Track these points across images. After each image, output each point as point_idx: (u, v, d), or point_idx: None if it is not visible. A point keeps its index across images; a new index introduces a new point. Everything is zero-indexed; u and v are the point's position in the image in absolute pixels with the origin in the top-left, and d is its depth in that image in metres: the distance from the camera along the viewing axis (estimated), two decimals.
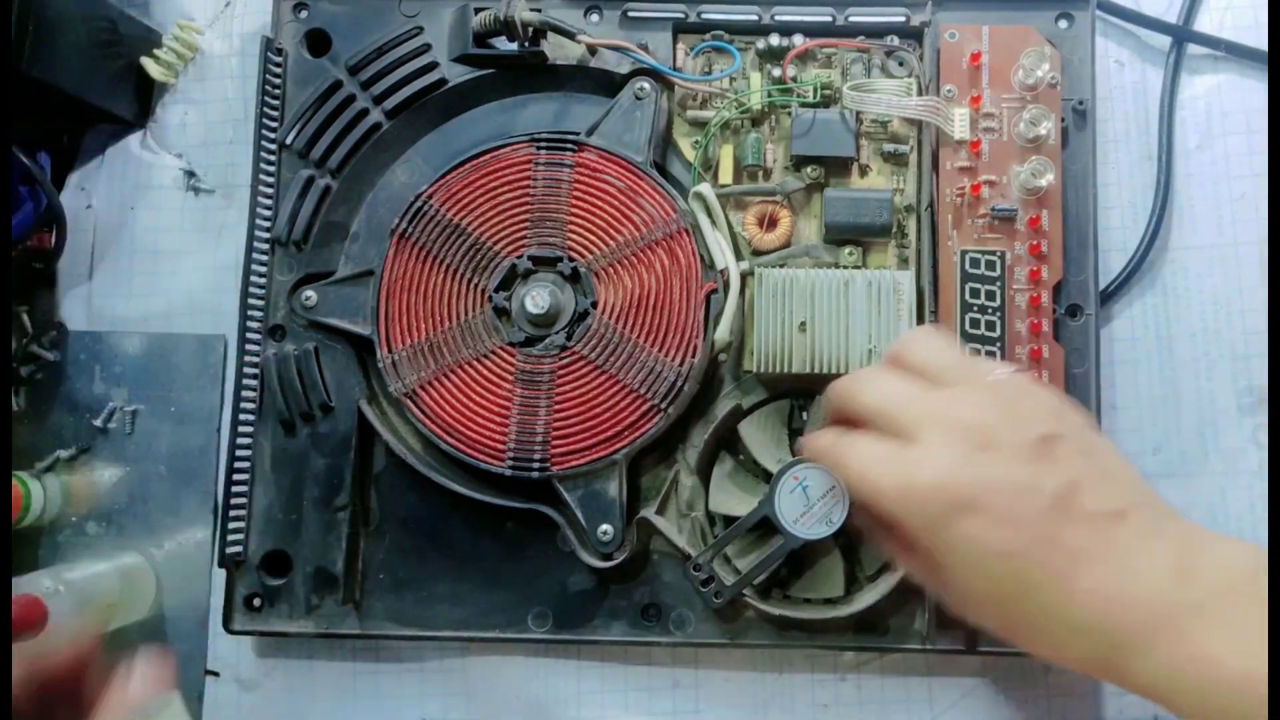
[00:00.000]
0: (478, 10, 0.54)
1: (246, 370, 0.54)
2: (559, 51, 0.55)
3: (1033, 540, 0.36)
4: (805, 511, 0.47)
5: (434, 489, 0.53)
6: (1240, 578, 0.35)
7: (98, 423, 0.58)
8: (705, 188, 0.53)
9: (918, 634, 0.51)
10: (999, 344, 0.51)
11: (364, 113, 0.55)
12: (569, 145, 0.53)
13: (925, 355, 0.41)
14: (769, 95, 0.55)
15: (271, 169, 0.56)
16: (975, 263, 0.52)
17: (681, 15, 0.55)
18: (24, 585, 0.51)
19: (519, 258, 0.53)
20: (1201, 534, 0.37)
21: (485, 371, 0.52)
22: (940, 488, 0.37)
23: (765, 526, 0.49)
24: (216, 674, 0.57)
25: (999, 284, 0.52)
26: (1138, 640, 0.35)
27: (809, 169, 0.54)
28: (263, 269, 0.55)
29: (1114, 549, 0.36)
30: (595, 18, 0.56)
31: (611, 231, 0.52)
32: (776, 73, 0.55)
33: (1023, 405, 0.39)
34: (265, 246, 0.55)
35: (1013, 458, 0.37)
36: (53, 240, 0.59)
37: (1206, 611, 0.34)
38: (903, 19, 0.54)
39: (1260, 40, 0.57)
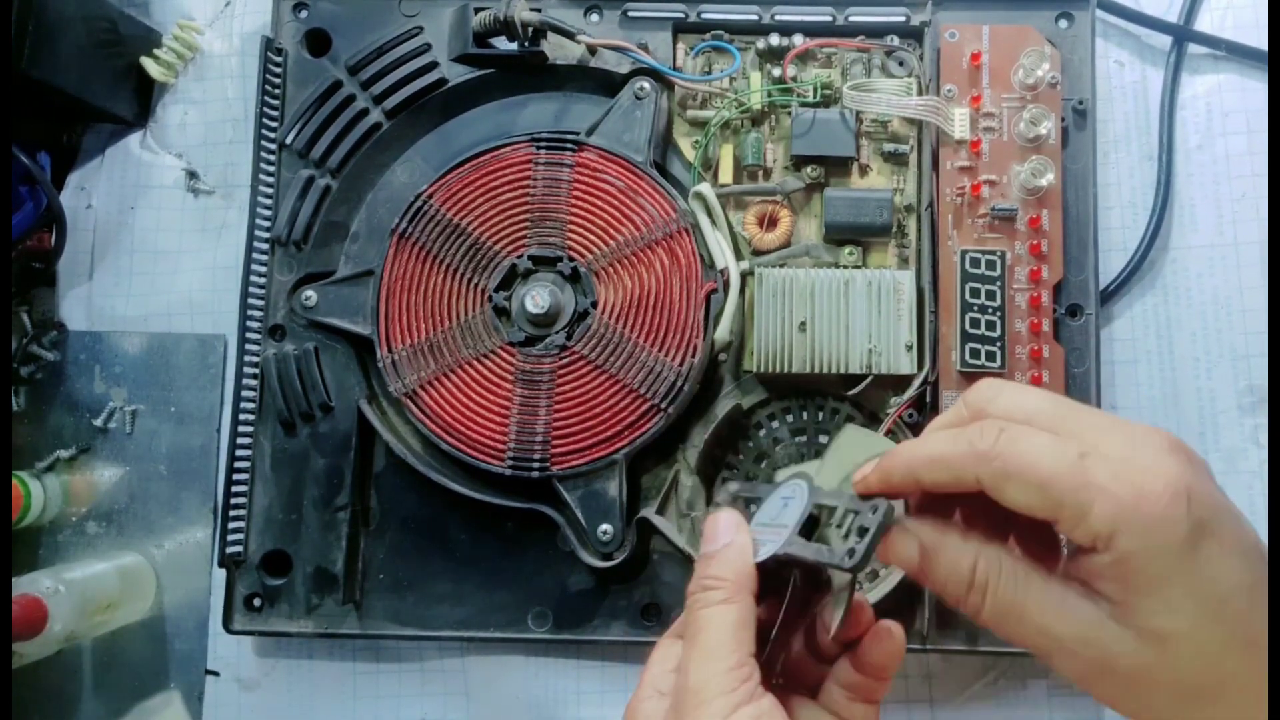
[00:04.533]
0: (478, 10, 0.54)
1: (246, 370, 0.54)
2: (559, 51, 0.55)
3: (1257, 578, 0.30)
4: (765, 523, 0.36)
5: (434, 489, 0.53)
6: None
7: (98, 423, 0.58)
8: (705, 187, 0.53)
9: (918, 634, 0.51)
10: (999, 344, 0.51)
11: (364, 113, 0.55)
12: (569, 145, 0.53)
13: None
14: (769, 95, 0.55)
15: (271, 169, 0.56)
16: (975, 262, 0.52)
17: (681, 15, 0.55)
18: (24, 585, 0.51)
19: (519, 258, 0.53)
20: None
21: (485, 371, 0.52)
22: (1184, 498, 0.29)
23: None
24: (216, 674, 0.57)
25: (999, 284, 0.52)
26: None
27: (809, 169, 0.54)
28: (263, 269, 0.55)
29: None
30: (595, 18, 0.56)
31: (611, 231, 0.52)
32: (776, 73, 0.55)
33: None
34: (265, 246, 0.55)
35: (1211, 481, 0.31)
36: (53, 240, 0.59)
37: None
38: (903, 19, 0.54)
39: (1260, 40, 0.57)
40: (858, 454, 0.38)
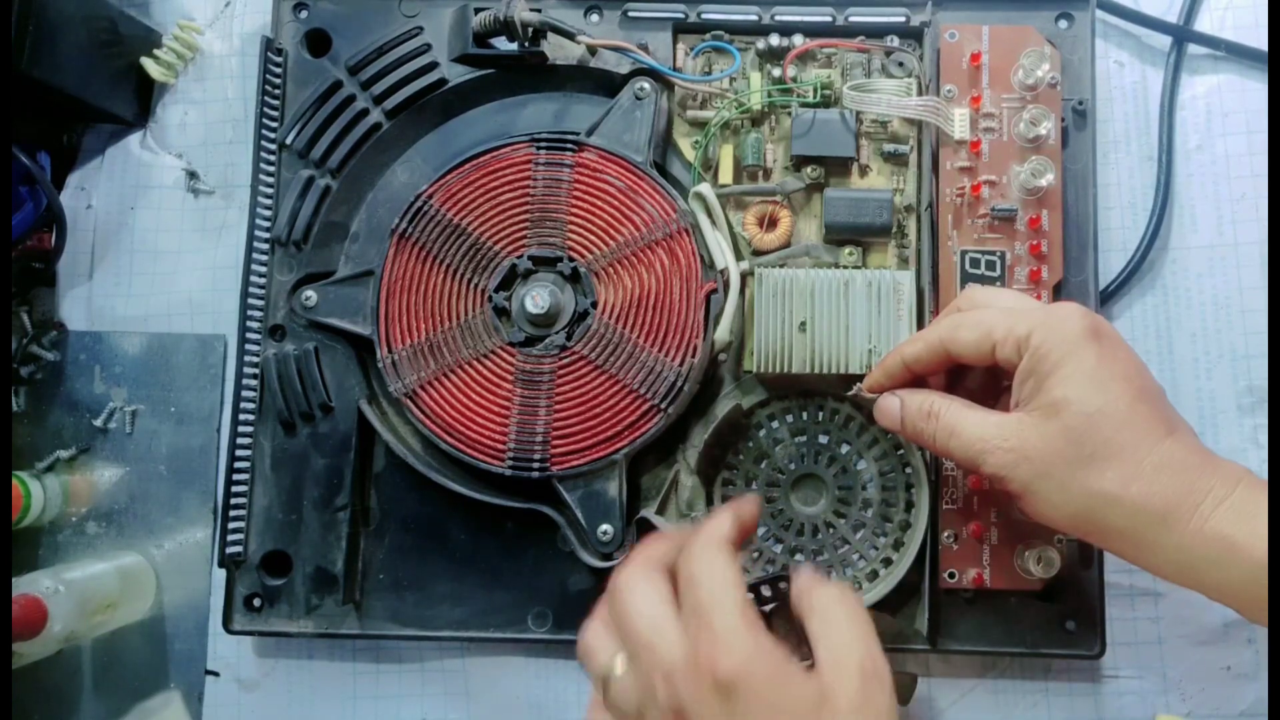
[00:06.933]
0: (478, 10, 0.54)
1: (246, 370, 0.54)
2: (559, 51, 0.55)
3: (1134, 382, 0.41)
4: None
5: (434, 489, 0.53)
6: (1246, 477, 0.40)
7: (98, 423, 0.58)
8: (705, 188, 0.53)
9: (918, 634, 0.51)
10: None
11: (364, 113, 0.55)
12: (569, 145, 0.53)
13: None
14: (769, 95, 0.55)
15: (271, 169, 0.56)
16: (975, 263, 0.52)
17: (681, 15, 0.55)
18: (24, 585, 0.51)
19: (519, 258, 0.53)
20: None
21: (485, 371, 0.52)
22: (1085, 314, 0.42)
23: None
24: (216, 674, 0.57)
25: (999, 284, 0.52)
26: (1170, 517, 0.39)
27: (809, 169, 0.54)
28: (263, 269, 0.55)
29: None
30: (595, 18, 0.56)
31: (611, 231, 0.52)
32: (776, 73, 0.55)
33: None
34: (265, 246, 0.55)
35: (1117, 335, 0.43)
36: (53, 240, 0.60)
37: (1223, 500, 0.39)
38: (903, 19, 0.54)
39: (1260, 40, 0.57)
40: None
